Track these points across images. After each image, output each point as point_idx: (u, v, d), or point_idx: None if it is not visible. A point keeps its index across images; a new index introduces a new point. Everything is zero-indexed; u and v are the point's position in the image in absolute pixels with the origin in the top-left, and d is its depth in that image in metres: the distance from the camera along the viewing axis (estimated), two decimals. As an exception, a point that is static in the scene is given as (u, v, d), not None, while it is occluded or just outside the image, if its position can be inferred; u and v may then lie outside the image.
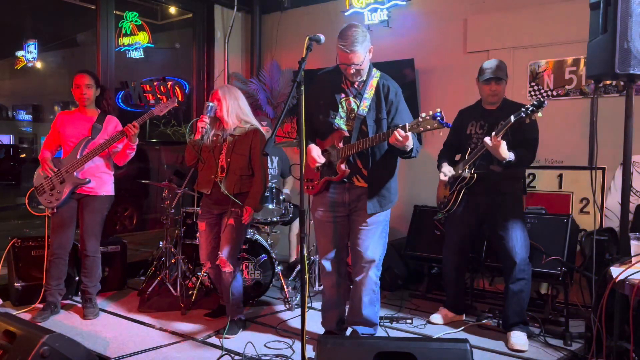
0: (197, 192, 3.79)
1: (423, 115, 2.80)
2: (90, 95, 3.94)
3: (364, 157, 3.17)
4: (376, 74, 3.19)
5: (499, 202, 3.57)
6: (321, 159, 3.14)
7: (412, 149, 3.00)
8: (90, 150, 3.84)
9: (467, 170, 3.57)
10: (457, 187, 3.63)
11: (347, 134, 3.15)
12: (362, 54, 3.01)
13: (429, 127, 2.78)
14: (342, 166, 3.15)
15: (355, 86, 3.18)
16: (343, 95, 3.19)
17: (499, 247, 3.63)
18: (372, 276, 3.23)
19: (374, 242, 3.21)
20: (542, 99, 3.18)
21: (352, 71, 3.06)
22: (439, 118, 2.75)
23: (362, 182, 3.20)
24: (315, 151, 3.16)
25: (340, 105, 3.18)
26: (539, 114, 3.18)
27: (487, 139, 3.34)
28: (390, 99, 3.13)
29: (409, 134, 2.87)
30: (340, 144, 3.16)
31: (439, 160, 3.88)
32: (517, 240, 3.51)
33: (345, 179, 3.20)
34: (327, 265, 3.34)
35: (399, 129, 2.86)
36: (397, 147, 2.97)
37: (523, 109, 3.22)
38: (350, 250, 3.34)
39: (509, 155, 3.35)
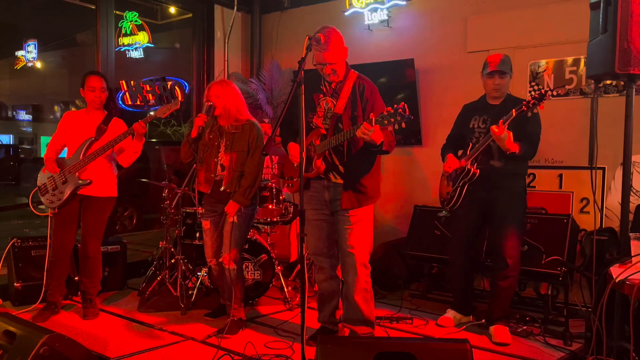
0: (198, 191, 3.78)
1: (388, 110, 2.86)
2: (103, 99, 3.95)
3: (339, 154, 3.23)
4: (353, 74, 3.27)
5: (499, 198, 3.56)
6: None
7: (382, 142, 3.03)
8: (93, 151, 3.84)
9: (469, 165, 3.56)
10: (460, 183, 3.61)
11: (324, 132, 3.23)
12: (336, 54, 3.12)
13: (392, 120, 2.84)
14: (318, 162, 3.21)
15: (333, 87, 3.27)
16: (321, 95, 3.28)
17: (493, 242, 3.67)
18: (362, 275, 3.26)
19: (358, 241, 3.26)
20: (543, 93, 3.19)
21: (328, 71, 3.17)
22: (400, 110, 2.81)
23: (338, 178, 3.26)
24: (295, 149, 3.27)
25: (318, 106, 3.28)
26: (541, 107, 3.19)
27: (493, 127, 3.30)
28: (366, 97, 3.22)
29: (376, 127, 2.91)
30: (318, 142, 3.24)
31: (442, 152, 3.85)
32: (511, 238, 3.52)
33: (322, 176, 3.26)
34: (319, 261, 3.46)
35: (365, 122, 2.94)
36: (367, 142, 3.01)
37: (525, 102, 3.23)
38: (337, 250, 3.40)
39: (514, 147, 3.32)
